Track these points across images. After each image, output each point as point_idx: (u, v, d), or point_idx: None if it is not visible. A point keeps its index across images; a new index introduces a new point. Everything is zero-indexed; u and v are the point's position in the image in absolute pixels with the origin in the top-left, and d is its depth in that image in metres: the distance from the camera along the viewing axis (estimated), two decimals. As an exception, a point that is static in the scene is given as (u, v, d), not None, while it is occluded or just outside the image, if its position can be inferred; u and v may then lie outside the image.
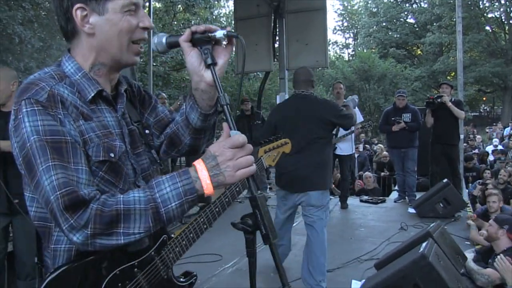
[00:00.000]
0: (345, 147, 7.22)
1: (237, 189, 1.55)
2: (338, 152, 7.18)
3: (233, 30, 1.36)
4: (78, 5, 1.28)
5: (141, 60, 16.83)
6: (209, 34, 1.33)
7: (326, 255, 4.10)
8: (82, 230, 1.15)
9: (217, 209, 1.53)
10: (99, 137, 1.30)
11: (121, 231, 1.18)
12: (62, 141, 1.20)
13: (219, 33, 1.32)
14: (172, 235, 1.49)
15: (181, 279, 1.58)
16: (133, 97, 1.57)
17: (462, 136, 7.62)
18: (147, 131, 1.56)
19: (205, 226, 1.52)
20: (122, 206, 1.18)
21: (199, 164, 1.24)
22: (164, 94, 8.85)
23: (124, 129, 1.43)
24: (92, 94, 1.33)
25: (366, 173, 10.06)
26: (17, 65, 10.24)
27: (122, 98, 1.45)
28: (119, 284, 1.33)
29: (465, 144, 12.32)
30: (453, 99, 7.29)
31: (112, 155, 1.31)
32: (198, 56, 1.36)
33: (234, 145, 1.22)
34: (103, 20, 1.30)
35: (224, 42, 1.38)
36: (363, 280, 3.96)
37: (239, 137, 1.23)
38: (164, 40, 1.38)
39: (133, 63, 1.40)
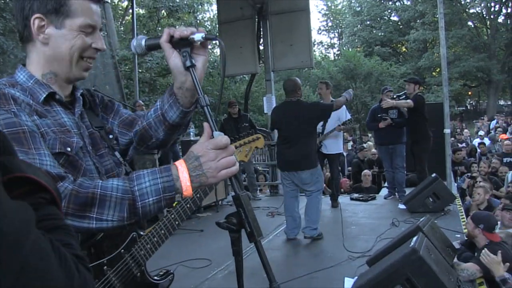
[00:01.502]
0: (333, 146, 7.23)
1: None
2: (324, 151, 7.18)
3: (214, 33, 1.37)
4: (37, 15, 1.33)
5: (127, 67, 16.78)
6: (188, 37, 1.34)
7: (319, 214, 5.73)
8: None
9: (188, 205, 1.53)
10: (55, 132, 1.32)
11: (94, 215, 1.18)
12: (19, 132, 1.21)
13: (198, 36, 1.34)
14: (142, 233, 1.49)
15: (156, 277, 1.57)
16: (95, 106, 1.59)
17: (448, 131, 7.68)
18: (110, 136, 1.57)
19: (176, 223, 1.52)
20: (99, 190, 1.19)
21: (180, 165, 1.25)
22: (141, 101, 8.85)
23: (83, 130, 1.44)
24: (44, 96, 1.36)
25: (365, 171, 10.03)
26: (0, 76, 10.15)
27: (79, 102, 1.48)
28: None
29: (452, 139, 12.43)
30: (417, 94, 7.44)
31: (68, 149, 1.32)
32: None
33: (217, 146, 1.23)
34: (58, 34, 1.35)
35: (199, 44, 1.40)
36: (356, 277, 3.96)
37: (222, 138, 1.24)
38: (143, 42, 1.41)
39: (81, 78, 1.45)
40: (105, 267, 1.37)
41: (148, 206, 1.22)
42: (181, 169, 1.24)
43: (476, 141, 14.69)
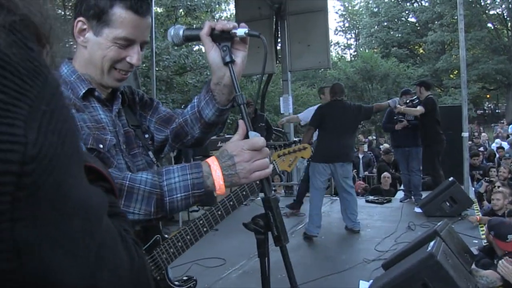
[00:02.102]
0: None
1: (244, 193, 1.50)
2: None
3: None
4: (80, 18, 1.34)
5: (144, 65, 16.84)
6: (230, 31, 1.31)
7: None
8: None
9: (219, 212, 1.48)
10: (90, 128, 1.33)
11: (121, 207, 1.18)
12: None
13: (240, 31, 1.30)
14: (166, 236, 1.47)
15: (177, 283, 1.53)
16: (134, 104, 1.59)
17: (466, 134, 7.56)
18: (146, 135, 1.57)
19: (204, 229, 1.47)
20: (127, 182, 1.19)
21: (213, 163, 1.23)
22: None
23: (118, 128, 1.45)
24: (84, 91, 1.38)
25: (385, 173, 9.92)
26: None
27: (118, 100, 1.49)
28: None
29: (470, 142, 12.25)
30: (428, 97, 7.33)
31: (101, 146, 1.33)
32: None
33: (252, 147, 1.22)
34: (95, 40, 1.35)
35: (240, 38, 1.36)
36: (371, 281, 3.93)
37: (259, 140, 1.23)
38: (181, 32, 1.37)
39: (114, 86, 1.46)
40: None
41: (176, 202, 1.21)
42: (214, 168, 1.23)
43: (494, 145, 14.47)
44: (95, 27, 1.34)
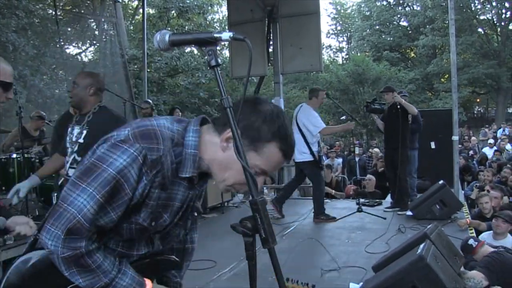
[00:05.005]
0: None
1: None
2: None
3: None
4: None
5: (135, 66, 16.79)
6: (215, 35, 1.32)
7: None
8: (60, 247, 1.23)
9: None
10: (158, 205, 1.38)
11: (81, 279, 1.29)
12: (123, 192, 1.27)
13: (225, 36, 1.31)
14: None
15: None
16: None
17: (457, 138, 7.61)
18: (195, 214, 1.71)
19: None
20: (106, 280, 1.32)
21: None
22: (150, 101, 8.62)
23: (185, 204, 1.48)
24: (186, 175, 1.38)
25: (369, 175, 9.98)
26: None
27: (205, 183, 1.54)
28: None
29: (460, 146, 12.32)
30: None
31: (153, 223, 1.39)
32: None
33: None
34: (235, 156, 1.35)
35: None
36: (361, 283, 3.95)
37: None
38: (167, 37, 1.36)
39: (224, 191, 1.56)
40: None
41: None
42: None
43: (486, 150, 14.53)
44: (243, 144, 1.31)
